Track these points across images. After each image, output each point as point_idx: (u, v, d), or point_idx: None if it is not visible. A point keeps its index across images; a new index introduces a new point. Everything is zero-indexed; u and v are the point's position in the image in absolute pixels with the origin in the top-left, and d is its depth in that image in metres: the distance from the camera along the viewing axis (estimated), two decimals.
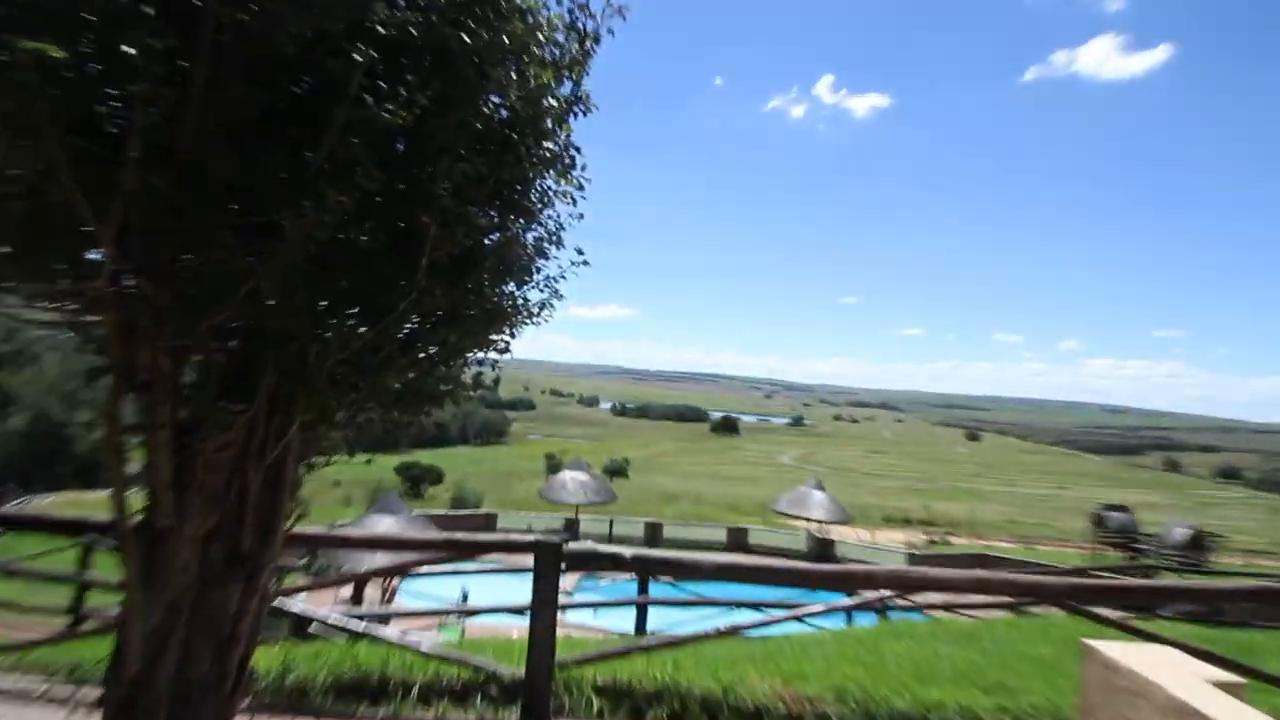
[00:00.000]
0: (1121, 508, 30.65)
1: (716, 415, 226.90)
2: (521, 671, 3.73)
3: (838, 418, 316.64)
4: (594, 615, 12.59)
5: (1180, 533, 27.87)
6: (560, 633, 3.94)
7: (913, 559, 27.28)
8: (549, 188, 2.40)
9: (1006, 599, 8.82)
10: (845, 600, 5.82)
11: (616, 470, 79.95)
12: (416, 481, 51.36)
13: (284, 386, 2.10)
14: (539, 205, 2.40)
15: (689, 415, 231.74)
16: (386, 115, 1.73)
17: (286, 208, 1.73)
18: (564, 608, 8.10)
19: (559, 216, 2.49)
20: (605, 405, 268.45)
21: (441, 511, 30.91)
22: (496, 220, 2.24)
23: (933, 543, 39.19)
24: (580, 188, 2.40)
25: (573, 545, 3.75)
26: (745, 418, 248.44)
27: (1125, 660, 2.42)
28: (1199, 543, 28.14)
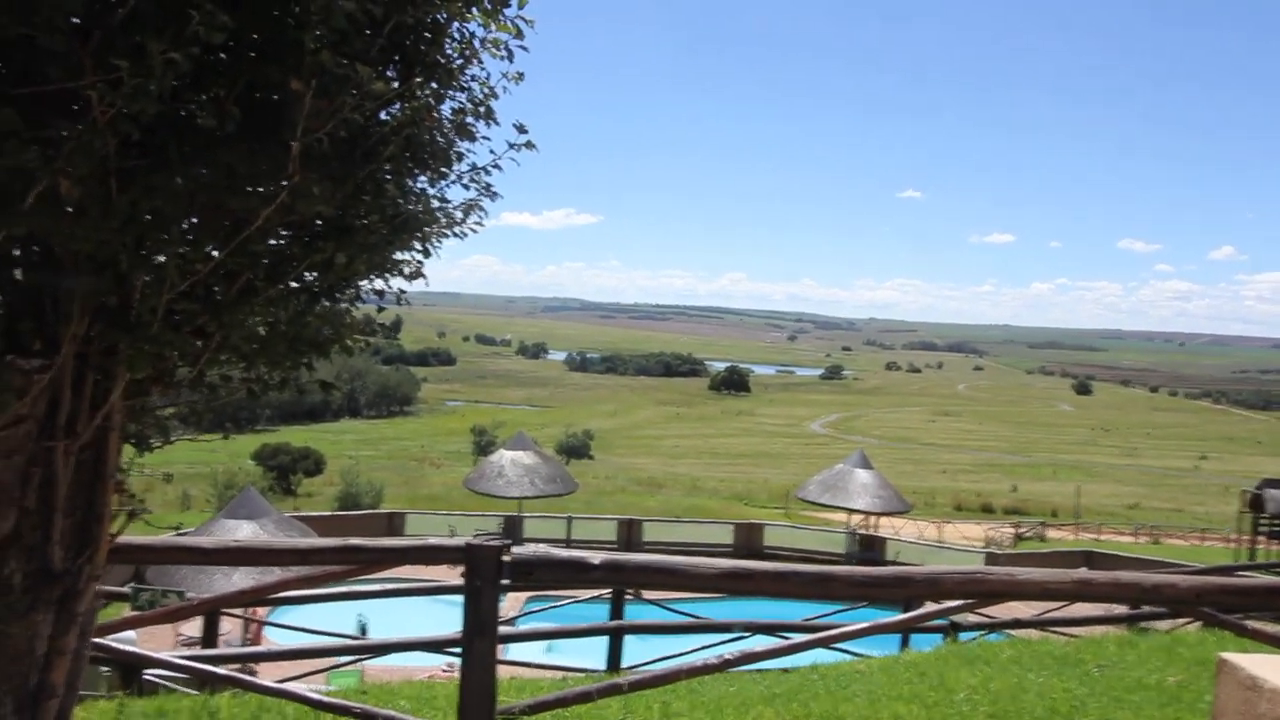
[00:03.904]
0: None
1: (718, 366, 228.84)
2: None
3: (891, 366, 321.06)
4: (549, 649, 12.91)
5: None
6: (503, 672, 4.09)
7: (994, 561, 28.21)
8: (472, 35, 2.40)
9: (1120, 610, 9.25)
10: (897, 617, 6.07)
11: (576, 449, 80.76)
12: (285, 472, 51.34)
13: (99, 333, 2.12)
14: (459, 61, 2.40)
15: (679, 367, 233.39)
16: None
17: (90, 71, 1.73)
18: (506, 639, 8.32)
19: (488, 78, 2.49)
20: (557, 355, 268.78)
21: (324, 513, 31.11)
22: (398, 85, 2.25)
23: (1022, 538, 40.48)
24: (519, 34, 2.39)
25: (518, 550, 3.86)
26: (760, 369, 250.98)
27: (1275, 678, 2.60)
28: None
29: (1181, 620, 10.10)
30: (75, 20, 1.75)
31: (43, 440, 2.18)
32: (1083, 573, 4.31)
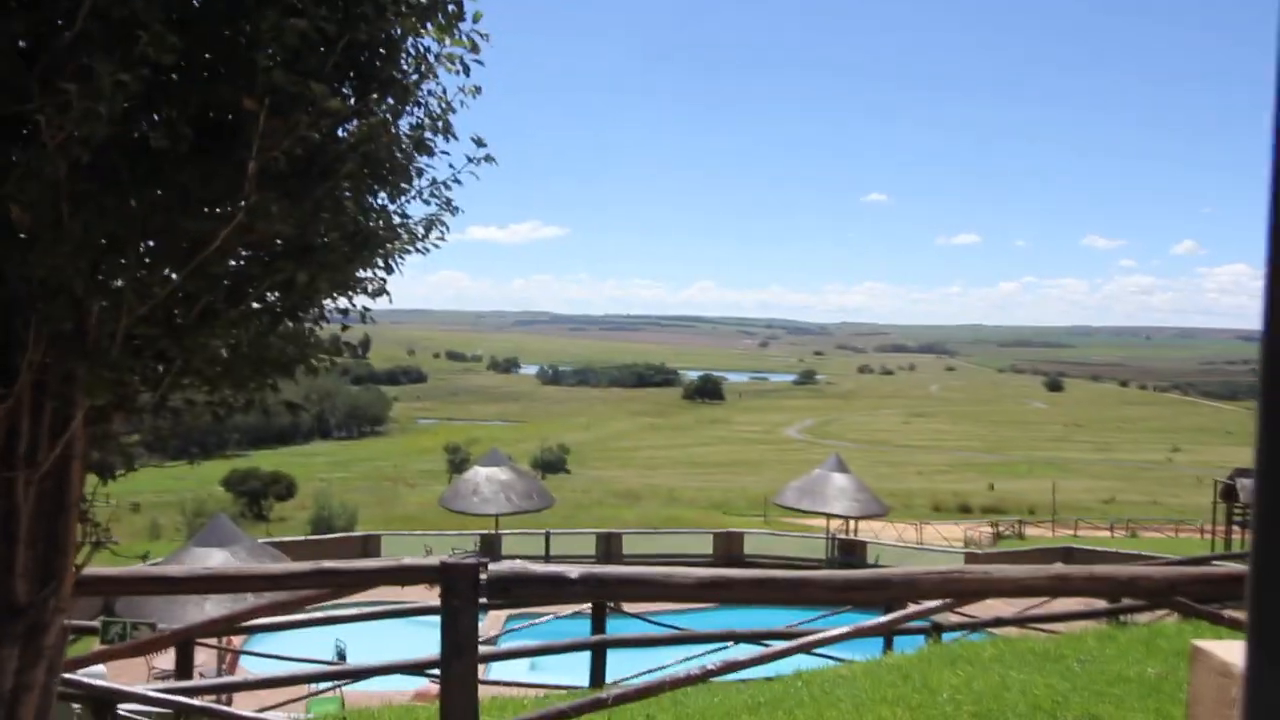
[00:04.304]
0: None
1: (691, 375, 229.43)
2: None
3: (864, 369, 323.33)
4: (531, 667, 12.85)
5: None
6: (484, 692, 4.06)
7: (974, 560, 28.44)
8: (428, 50, 2.41)
9: (1099, 604, 9.35)
10: (878, 619, 6.11)
11: (551, 464, 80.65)
12: (256, 497, 50.87)
13: (57, 360, 2.10)
14: (415, 77, 2.40)
15: (651, 378, 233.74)
16: None
17: (39, 96, 1.71)
18: (487, 658, 8.27)
19: (445, 92, 2.50)
20: (529, 370, 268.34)
21: (298, 538, 30.80)
22: (354, 101, 2.25)
23: (1001, 536, 40.88)
24: (474, 48, 2.41)
25: (495, 567, 3.85)
26: (733, 377, 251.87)
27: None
28: None
29: (1160, 612, 10.23)
30: (20, 44, 1.74)
31: (2, 471, 2.15)
32: (1059, 568, 4.37)
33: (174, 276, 2.12)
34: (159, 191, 1.98)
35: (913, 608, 6.38)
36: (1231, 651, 2.78)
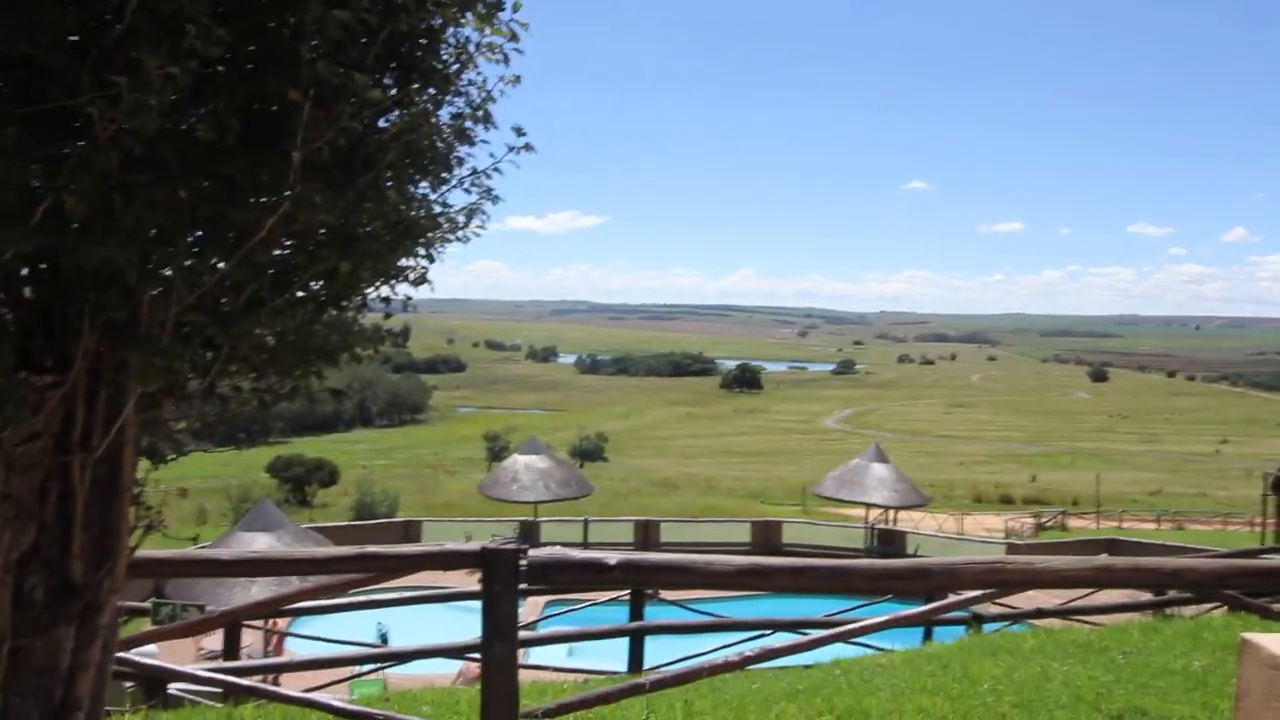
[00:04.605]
0: None
1: (729, 365, 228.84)
2: None
3: (904, 359, 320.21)
4: (569, 653, 12.93)
5: None
6: (524, 677, 4.10)
7: (1015, 551, 28.10)
8: (468, 39, 2.41)
9: (1144, 596, 9.22)
10: (918, 609, 6.07)
11: (590, 452, 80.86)
12: (300, 484, 51.57)
13: (110, 348, 2.14)
14: (455, 66, 2.41)
15: (689, 367, 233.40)
16: None
17: (90, 89, 1.75)
18: (526, 643, 8.34)
19: (485, 82, 2.50)
20: (567, 359, 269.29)
21: (340, 523, 31.24)
22: (395, 92, 2.26)
23: (1043, 528, 40.33)
24: (514, 38, 2.41)
25: (535, 553, 3.88)
26: (771, 366, 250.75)
27: None
28: None
29: (1207, 606, 10.05)
30: (72, 38, 1.77)
31: (58, 455, 2.21)
32: (1103, 559, 4.31)
33: (221, 265, 2.16)
34: (206, 183, 2.01)
35: (953, 598, 6.33)
36: None
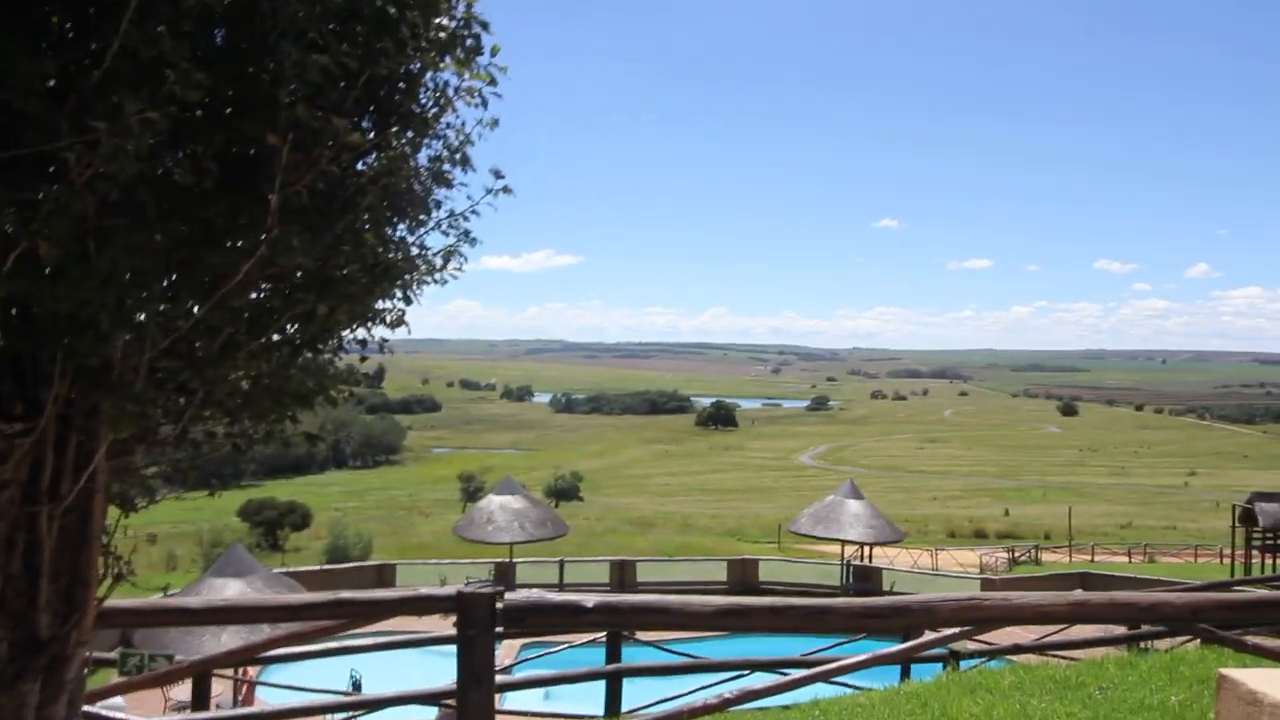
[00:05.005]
0: (1278, 497, 31.92)
1: (704, 402, 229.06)
2: None
3: (877, 394, 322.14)
4: (546, 698, 12.76)
5: None
6: None
7: (989, 586, 28.14)
8: (446, 83, 2.43)
9: (1119, 630, 9.24)
10: (896, 647, 6.04)
11: (564, 491, 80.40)
12: (272, 528, 50.90)
13: (81, 394, 2.11)
14: (434, 110, 2.42)
15: (664, 405, 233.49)
16: None
17: (68, 134, 1.73)
18: (503, 688, 8.21)
19: (464, 125, 2.52)
20: (542, 398, 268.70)
21: (313, 568, 30.76)
22: (374, 135, 2.27)
23: (1016, 562, 40.41)
24: (492, 82, 2.43)
25: (511, 596, 3.83)
26: (746, 403, 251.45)
27: (1275, 692, 2.60)
28: None
29: (1181, 639, 10.08)
30: (50, 83, 1.76)
31: (26, 505, 2.16)
32: (1079, 595, 4.32)
33: (196, 310, 2.13)
34: (183, 226, 2.00)
35: (930, 635, 6.31)
36: (1258, 679, 2.74)
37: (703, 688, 7.75)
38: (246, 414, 2.51)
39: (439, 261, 2.69)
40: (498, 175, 2.56)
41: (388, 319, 2.68)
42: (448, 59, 2.37)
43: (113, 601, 2.70)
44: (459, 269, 2.75)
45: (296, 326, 2.45)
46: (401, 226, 2.53)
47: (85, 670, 2.41)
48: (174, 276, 2.14)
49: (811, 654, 9.01)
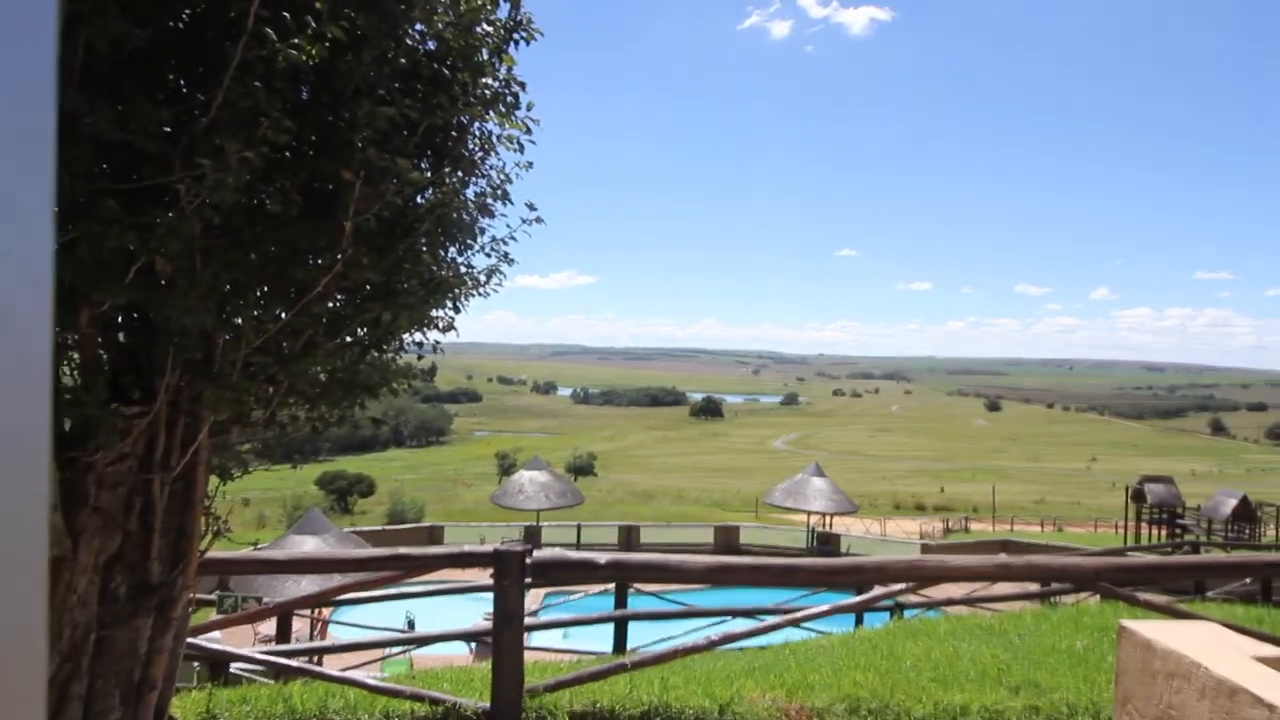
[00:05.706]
0: (1163, 479, 31.79)
1: (697, 397, 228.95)
2: (485, 703, 3.80)
3: (838, 392, 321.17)
4: (564, 637, 12.72)
5: (1229, 504, 29.12)
6: (528, 657, 4.01)
7: (927, 550, 28.04)
8: (490, 132, 2.42)
9: (1033, 587, 9.18)
10: (852, 599, 6.01)
11: (582, 468, 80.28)
12: (343, 494, 50.96)
13: (188, 383, 2.10)
14: (480, 154, 2.41)
15: (664, 399, 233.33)
16: (292, 52, 1.73)
17: (180, 169, 1.72)
18: (529, 629, 8.18)
19: (504, 166, 2.51)
20: (564, 392, 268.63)
21: (376, 528, 30.75)
22: (430, 174, 2.25)
23: (950, 531, 40.27)
24: (528, 131, 2.42)
25: (538, 553, 3.81)
26: (730, 398, 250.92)
27: (1165, 640, 2.57)
28: (1250, 514, 29.44)
29: (1084, 595, 10.03)
30: (166, 128, 1.75)
31: (142, 474, 2.15)
32: (1002, 558, 4.28)
33: (283, 315, 2.12)
34: (273, 247, 1.99)
35: (880, 590, 6.28)
36: (1152, 629, 2.70)
37: (694, 630, 7.74)
38: (324, 401, 2.49)
39: (482, 278, 2.67)
40: (531, 208, 2.56)
41: (440, 325, 2.67)
42: (491, 112, 2.36)
43: (213, 553, 2.69)
44: (499, 285, 2.73)
45: (365, 330, 2.44)
46: (452, 249, 2.52)
47: (189, 609, 2.40)
48: (265, 288, 2.13)
49: (783, 604, 8.98)
